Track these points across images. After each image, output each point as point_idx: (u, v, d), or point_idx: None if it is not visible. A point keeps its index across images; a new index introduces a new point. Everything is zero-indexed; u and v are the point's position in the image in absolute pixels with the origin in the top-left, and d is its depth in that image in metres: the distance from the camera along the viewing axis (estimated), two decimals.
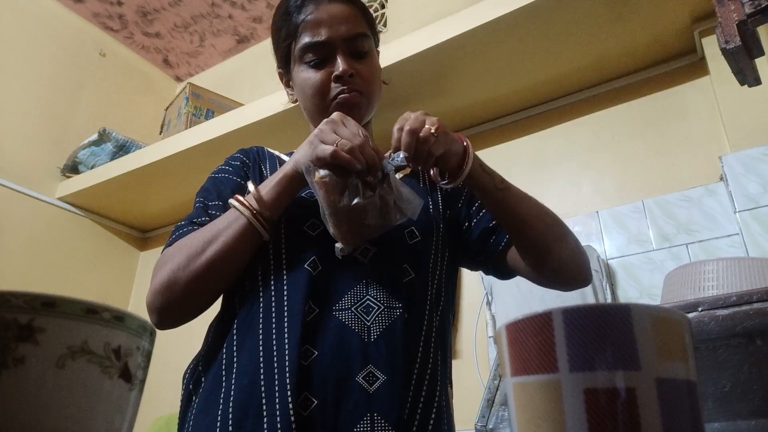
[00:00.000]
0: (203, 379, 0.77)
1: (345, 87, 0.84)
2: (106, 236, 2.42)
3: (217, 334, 0.81)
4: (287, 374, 0.70)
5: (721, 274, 0.90)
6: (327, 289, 0.77)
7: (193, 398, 0.77)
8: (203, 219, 0.82)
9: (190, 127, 2.08)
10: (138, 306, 2.27)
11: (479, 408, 0.79)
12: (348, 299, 0.76)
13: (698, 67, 1.51)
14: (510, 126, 1.78)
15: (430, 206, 0.91)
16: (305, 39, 0.85)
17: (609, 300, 1.33)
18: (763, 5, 0.68)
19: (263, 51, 2.60)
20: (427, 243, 0.85)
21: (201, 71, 2.80)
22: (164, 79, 2.81)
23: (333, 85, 0.85)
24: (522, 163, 1.71)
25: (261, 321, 0.76)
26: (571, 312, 0.31)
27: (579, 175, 1.60)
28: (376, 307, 0.76)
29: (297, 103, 0.94)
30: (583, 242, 1.43)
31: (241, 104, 2.07)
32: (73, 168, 2.26)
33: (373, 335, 0.74)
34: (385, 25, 1.94)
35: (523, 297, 1.40)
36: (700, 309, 0.45)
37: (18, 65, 2.21)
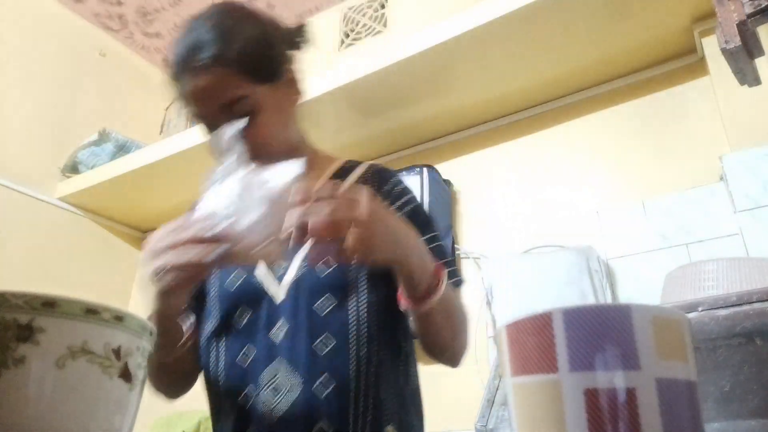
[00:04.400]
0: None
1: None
2: (106, 236, 2.41)
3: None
4: None
5: (721, 274, 0.90)
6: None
7: None
8: None
9: (190, 126, 2.08)
10: (138, 306, 2.27)
11: (479, 408, 0.79)
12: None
13: (698, 67, 1.51)
14: (510, 126, 1.78)
15: None
16: (189, 108, 0.84)
17: (609, 300, 1.33)
18: (763, 5, 0.68)
19: None
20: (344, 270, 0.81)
21: None
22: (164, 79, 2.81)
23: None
24: (522, 164, 1.71)
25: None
26: (571, 312, 0.31)
27: (579, 175, 1.60)
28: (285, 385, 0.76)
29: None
30: (583, 242, 1.43)
31: None
32: (73, 168, 2.26)
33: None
34: (384, 25, 1.94)
35: (523, 297, 1.40)
36: (700, 309, 0.45)
37: (18, 65, 2.21)
